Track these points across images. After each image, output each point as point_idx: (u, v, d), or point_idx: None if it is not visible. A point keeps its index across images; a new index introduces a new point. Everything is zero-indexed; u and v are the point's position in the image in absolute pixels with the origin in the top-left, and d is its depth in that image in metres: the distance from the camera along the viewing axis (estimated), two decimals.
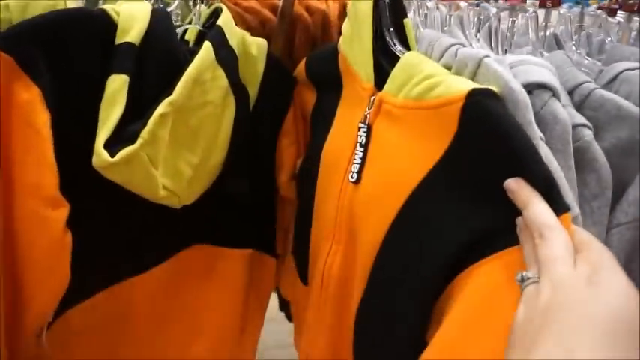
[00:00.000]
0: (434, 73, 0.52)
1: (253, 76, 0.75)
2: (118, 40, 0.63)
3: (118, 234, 0.74)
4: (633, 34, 0.71)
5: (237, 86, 0.72)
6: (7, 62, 0.58)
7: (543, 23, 0.72)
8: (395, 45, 0.60)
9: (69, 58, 0.62)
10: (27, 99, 0.59)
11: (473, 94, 0.47)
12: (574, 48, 0.71)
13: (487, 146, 0.46)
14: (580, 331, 0.33)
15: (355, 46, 0.63)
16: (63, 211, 0.63)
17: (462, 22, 0.69)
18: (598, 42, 0.74)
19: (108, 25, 0.64)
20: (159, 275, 0.79)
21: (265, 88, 0.76)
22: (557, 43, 0.75)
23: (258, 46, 0.75)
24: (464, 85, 0.49)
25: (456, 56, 0.53)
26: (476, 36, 0.71)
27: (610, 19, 0.73)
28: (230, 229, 0.84)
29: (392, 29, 0.60)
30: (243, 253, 0.87)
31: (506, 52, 0.71)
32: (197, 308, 0.86)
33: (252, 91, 0.76)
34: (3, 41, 0.58)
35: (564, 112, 0.53)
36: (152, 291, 0.80)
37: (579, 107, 0.60)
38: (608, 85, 0.64)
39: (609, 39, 0.72)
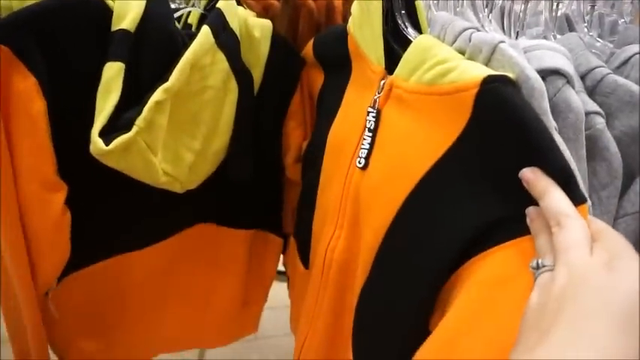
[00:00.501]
0: (447, 58, 0.51)
1: (257, 58, 0.74)
2: (114, 27, 0.63)
3: (119, 212, 0.75)
4: None
5: (239, 70, 0.71)
6: (3, 52, 0.58)
7: (555, 4, 0.70)
8: (406, 28, 0.59)
9: (65, 46, 0.62)
10: (23, 88, 0.60)
11: (488, 81, 0.46)
12: (586, 29, 0.69)
13: (502, 134, 0.45)
14: (596, 316, 0.33)
15: (365, 29, 0.62)
16: (61, 194, 0.66)
17: (474, 3, 0.67)
18: (610, 22, 0.73)
19: (103, 11, 0.63)
20: (160, 251, 0.81)
21: (271, 70, 0.76)
22: (568, 24, 0.73)
23: (261, 27, 0.74)
24: (479, 71, 0.48)
25: (470, 41, 0.52)
26: (488, 17, 0.69)
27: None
28: (235, 210, 0.85)
29: (403, 11, 0.59)
30: (247, 233, 0.88)
31: (517, 33, 0.70)
32: (200, 284, 0.88)
33: (257, 74, 0.75)
34: None
35: (578, 100, 0.52)
36: (153, 266, 0.82)
37: (591, 93, 0.59)
38: (618, 70, 0.63)
39: (622, 20, 0.71)
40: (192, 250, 0.84)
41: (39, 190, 0.65)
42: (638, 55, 0.62)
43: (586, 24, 0.69)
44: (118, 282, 0.80)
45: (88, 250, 0.75)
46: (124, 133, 0.60)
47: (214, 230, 0.85)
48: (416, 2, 0.58)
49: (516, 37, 0.68)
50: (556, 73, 0.53)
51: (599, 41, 0.67)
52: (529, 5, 0.70)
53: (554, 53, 0.55)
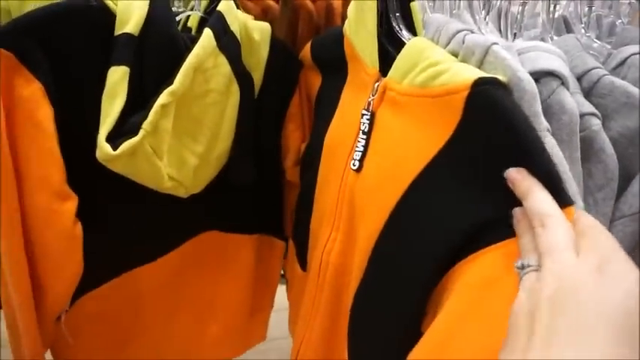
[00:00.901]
0: (439, 61, 0.51)
1: (257, 61, 0.75)
2: (117, 31, 0.63)
3: (125, 224, 0.74)
4: None
5: (240, 73, 0.71)
6: (7, 58, 0.58)
7: (552, 5, 0.70)
8: (401, 30, 0.59)
9: (69, 50, 0.62)
10: (29, 94, 0.59)
11: (479, 84, 0.46)
12: (583, 31, 0.69)
13: (491, 136, 0.45)
14: (591, 327, 0.32)
15: (360, 31, 0.62)
16: (71, 204, 0.65)
17: (471, 5, 0.67)
18: (608, 24, 0.72)
19: (106, 15, 0.63)
20: (168, 263, 0.80)
21: (270, 73, 0.76)
22: (566, 25, 0.73)
23: (261, 30, 0.74)
24: (470, 73, 0.48)
25: (463, 43, 0.52)
26: (485, 19, 0.69)
27: (621, 0, 0.71)
28: (239, 215, 0.85)
29: (398, 14, 0.59)
30: (251, 238, 0.88)
31: (515, 35, 0.70)
32: (208, 294, 0.88)
33: (257, 76, 0.75)
34: (2, 37, 0.58)
35: (572, 101, 0.52)
36: (162, 279, 0.81)
37: (588, 94, 0.59)
38: (615, 70, 0.63)
39: (619, 21, 0.71)
40: (200, 259, 0.84)
41: (49, 200, 0.64)
42: (635, 56, 0.62)
43: (583, 25, 0.69)
44: (130, 299, 0.79)
45: (99, 269, 0.74)
46: (131, 137, 0.59)
47: (219, 237, 0.84)
48: (411, 4, 0.58)
49: (514, 39, 0.69)
50: (551, 74, 0.53)
51: (596, 42, 0.67)
52: (527, 7, 0.70)
53: (550, 55, 0.55)
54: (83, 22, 0.62)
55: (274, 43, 0.76)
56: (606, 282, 0.34)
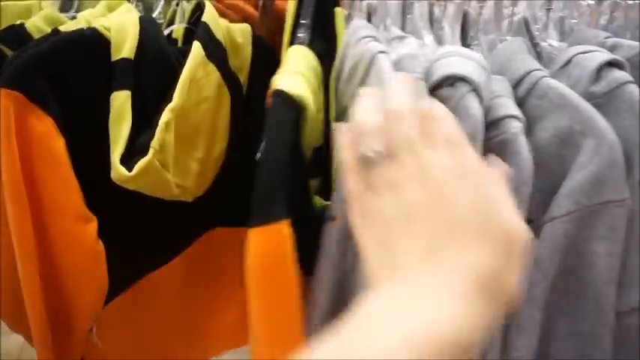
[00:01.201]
0: (287, 69, 0.56)
1: (243, 62, 0.78)
2: (114, 56, 0.67)
3: (136, 234, 0.78)
4: (604, 17, 0.68)
5: (228, 77, 0.75)
6: (17, 98, 0.61)
7: (511, 8, 0.71)
8: (299, 37, 0.62)
9: (70, 80, 0.66)
10: (42, 130, 0.63)
11: (271, 95, 0.53)
12: (538, 32, 0.69)
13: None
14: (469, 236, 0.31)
15: (284, 34, 0.66)
16: (93, 224, 0.69)
17: (421, 9, 0.69)
18: (569, 25, 0.72)
19: (100, 41, 0.67)
20: (179, 265, 0.84)
21: (255, 71, 0.79)
22: (526, 27, 0.73)
23: (242, 32, 0.78)
24: (276, 84, 0.54)
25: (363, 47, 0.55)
26: (440, 23, 0.71)
27: (581, 1, 0.70)
28: (237, 210, 0.84)
29: (307, 19, 0.62)
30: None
31: (471, 38, 0.71)
32: (221, 287, 0.90)
33: (243, 76, 0.79)
34: (9, 79, 0.62)
35: (477, 107, 0.53)
36: (175, 280, 0.84)
37: (528, 95, 0.60)
38: (561, 70, 0.62)
39: (574, 21, 0.70)
40: (209, 256, 0.87)
41: (73, 223, 0.67)
42: (579, 55, 0.62)
43: (538, 26, 0.69)
44: (145, 305, 0.82)
45: (116, 279, 0.75)
46: (142, 157, 0.63)
47: (223, 233, 0.87)
48: (336, 9, 0.61)
49: (468, 43, 0.70)
50: (462, 80, 0.54)
51: (545, 42, 0.67)
52: (486, 11, 0.71)
53: (467, 61, 0.56)
54: (81, 52, 0.67)
55: (255, 40, 0.79)
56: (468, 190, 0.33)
